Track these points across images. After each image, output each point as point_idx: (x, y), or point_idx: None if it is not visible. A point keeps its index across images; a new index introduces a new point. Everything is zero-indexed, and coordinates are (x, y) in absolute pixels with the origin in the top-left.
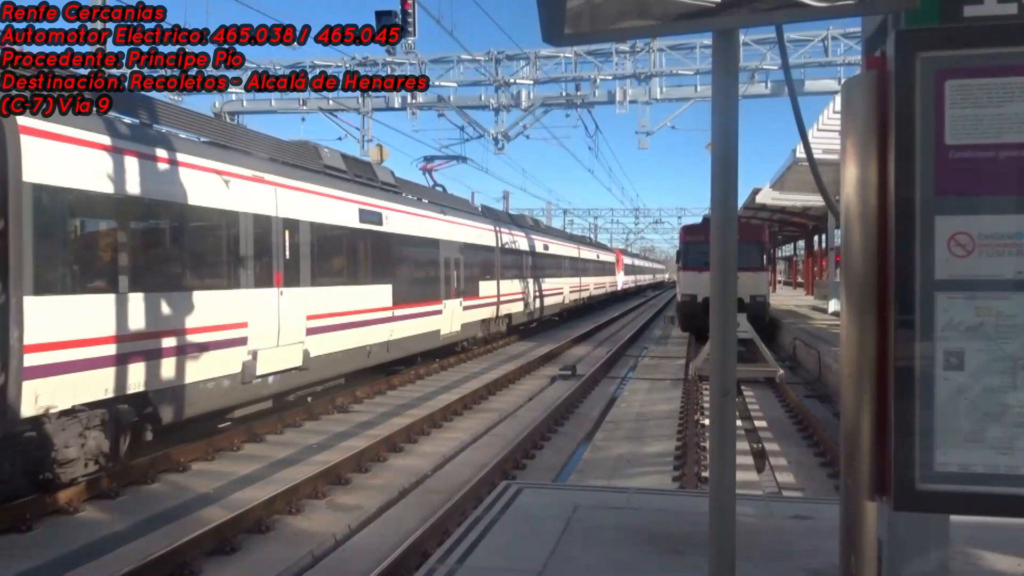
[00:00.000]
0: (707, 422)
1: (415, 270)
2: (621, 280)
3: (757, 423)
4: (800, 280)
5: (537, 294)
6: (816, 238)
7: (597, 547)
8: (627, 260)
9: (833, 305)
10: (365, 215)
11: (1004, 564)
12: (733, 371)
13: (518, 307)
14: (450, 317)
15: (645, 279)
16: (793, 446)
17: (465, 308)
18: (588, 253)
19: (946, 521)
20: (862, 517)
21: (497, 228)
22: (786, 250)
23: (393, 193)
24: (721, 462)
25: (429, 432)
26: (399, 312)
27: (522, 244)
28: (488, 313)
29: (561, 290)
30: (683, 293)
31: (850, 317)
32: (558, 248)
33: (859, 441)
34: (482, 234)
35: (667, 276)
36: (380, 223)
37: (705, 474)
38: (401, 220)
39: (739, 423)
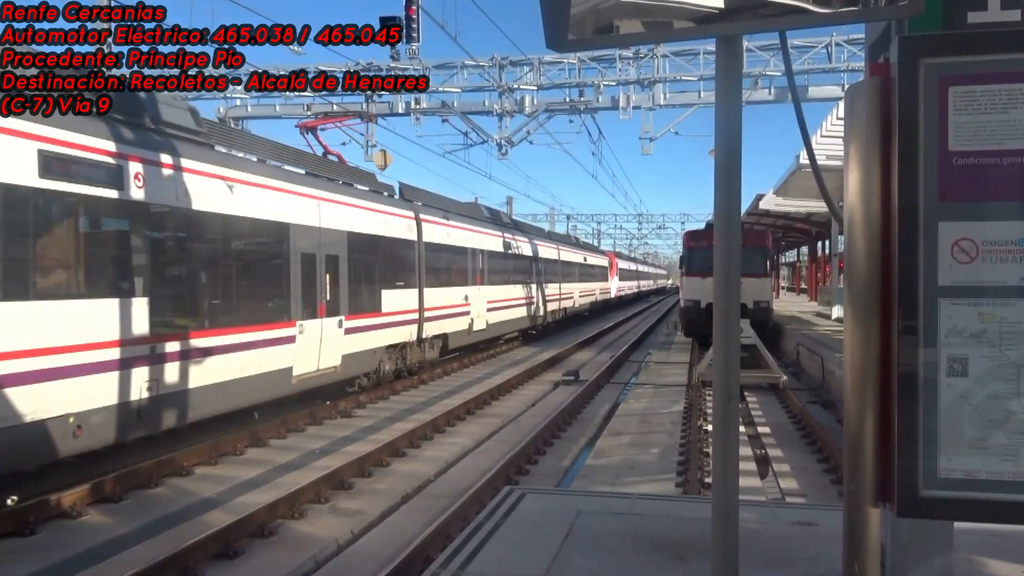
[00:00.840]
0: (710, 427)
1: (226, 272)
2: (615, 286)
3: (760, 429)
4: (803, 286)
5: (492, 306)
6: (819, 244)
7: (600, 553)
8: (622, 264)
9: (836, 311)
10: (59, 164)
11: (1008, 571)
12: (736, 377)
13: (458, 324)
14: (314, 346)
15: (645, 285)
16: (796, 452)
17: (350, 331)
18: (571, 255)
19: (950, 528)
20: (866, 523)
21: (419, 215)
22: (789, 256)
23: (187, 143)
24: (724, 468)
25: (432, 437)
26: (173, 347)
27: (465, 239)
28: (402, 335)
29: (530, 299)
30: (686, 299)
31: (853, 323)
32: (526, 247)
33: (863, 447)
34: (390, 222)
35: (669, 281)
36: (118, 184)
37: (708, 480)
38: (183, 184)
39: (742, 429)
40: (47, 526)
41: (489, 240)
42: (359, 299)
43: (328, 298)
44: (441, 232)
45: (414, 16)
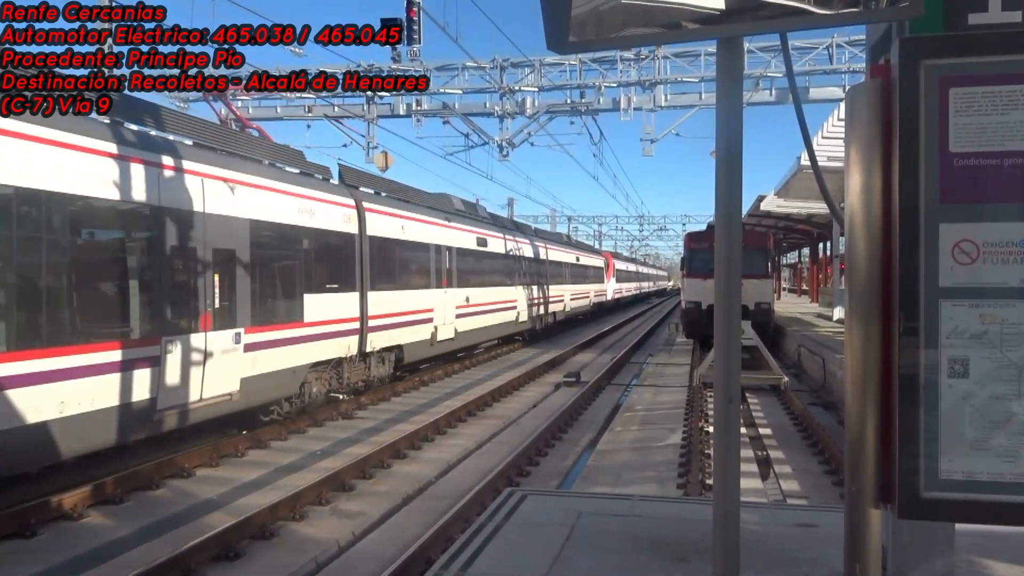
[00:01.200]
0: (711, 429)
1: (28, 272)
2: (612, 288)
3: (762, 430)
4: (805, 287)
5: (463, 311)
6: (821, 245)
7: (601, 554)
8: (620, 265)
9: (838, 312)
10: None
11: (1009, 572)
12: (737, 378)
13: (417, 333)
14: (192, 369)
15: (646, 287)
16: (798, 454)
17: (254, 347)
18: (561, 254)
19: (951, 529)
20: (867, 525)
21: (362, 204)
22: (791, 257)
23: None
24: (725, 469)
25: (433, 439)
26: None
27: (428, 234)
28: (336, 349)
29: (511, 304)
30: (687, 300)
31: (854, 324)
32: (507, 244)
33: (864, 448)
34: (318, 210)
35: (670, 283)
36: None
37: (709, 481)
38: None
39: (744, 430)
40: (48, 528)
41: (460, 236)
42: (268, 306)
43: (217, 305)
44: (393, 225)
45: (415, 17)
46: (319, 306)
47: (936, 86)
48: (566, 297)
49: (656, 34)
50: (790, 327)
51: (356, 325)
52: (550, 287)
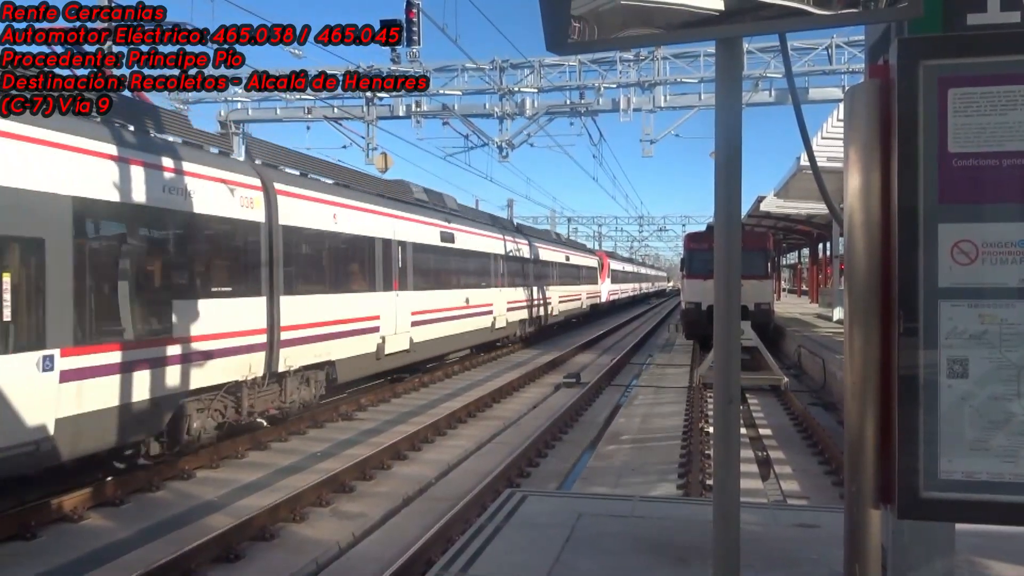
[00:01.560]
0: (711, 430)
1: None
2: (607, 290)
3: (762, 431)
4: (804, 288)
5: (421, 318)
6: (820, 246)
7: (601, 555)
8: (616, 265)
9: (838, 313)
10: None
11: (1010, 572)
12: (737, 379)
13: (357, 346)
14: None
15: (644, 288)
16: (798, 454)
17: (80, 375)
18: (549, 253)
19: (951, 529)
20: (867, 525)
21: (271, 185)
22: (790, 258)
23: None
24: (725, 470)
25: (433, 440)
26: None
27: (372, 226)
28: (231, 370)
29: (485, 308)
30: (687, 301)
31: (854, 325)
32: (480, 241)
33: (863, 449)
34: (199, 188)
35: (670, 284)
36: None
37: (710, 482)
38: None
39: (744, 431)
40: (48, 529)
41: (418, 229)
42: (107, 317)
43: (6, 317)
44: (319, 213)
45: (414, 19)
46: (199, 315)
47: (935, 86)
48: (554, 299)
49: (656, 35)
50: (790, 327)
51: (262, 339)
52: (534, 288)
